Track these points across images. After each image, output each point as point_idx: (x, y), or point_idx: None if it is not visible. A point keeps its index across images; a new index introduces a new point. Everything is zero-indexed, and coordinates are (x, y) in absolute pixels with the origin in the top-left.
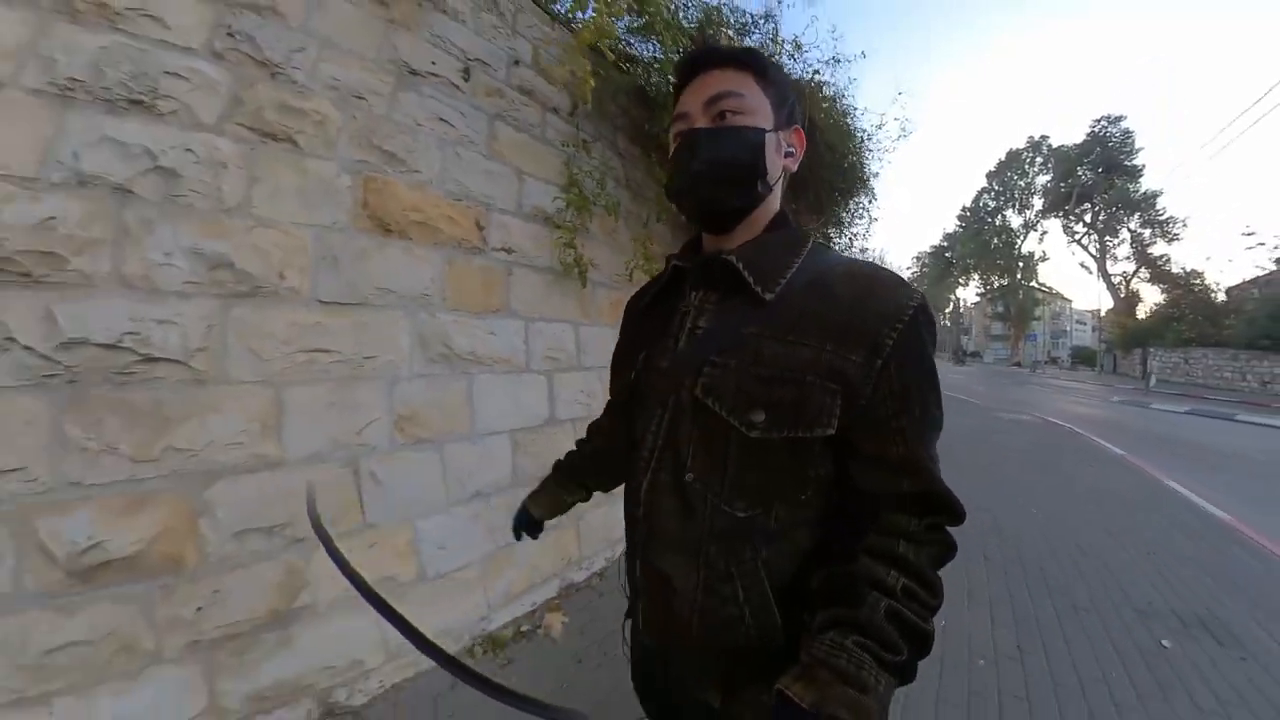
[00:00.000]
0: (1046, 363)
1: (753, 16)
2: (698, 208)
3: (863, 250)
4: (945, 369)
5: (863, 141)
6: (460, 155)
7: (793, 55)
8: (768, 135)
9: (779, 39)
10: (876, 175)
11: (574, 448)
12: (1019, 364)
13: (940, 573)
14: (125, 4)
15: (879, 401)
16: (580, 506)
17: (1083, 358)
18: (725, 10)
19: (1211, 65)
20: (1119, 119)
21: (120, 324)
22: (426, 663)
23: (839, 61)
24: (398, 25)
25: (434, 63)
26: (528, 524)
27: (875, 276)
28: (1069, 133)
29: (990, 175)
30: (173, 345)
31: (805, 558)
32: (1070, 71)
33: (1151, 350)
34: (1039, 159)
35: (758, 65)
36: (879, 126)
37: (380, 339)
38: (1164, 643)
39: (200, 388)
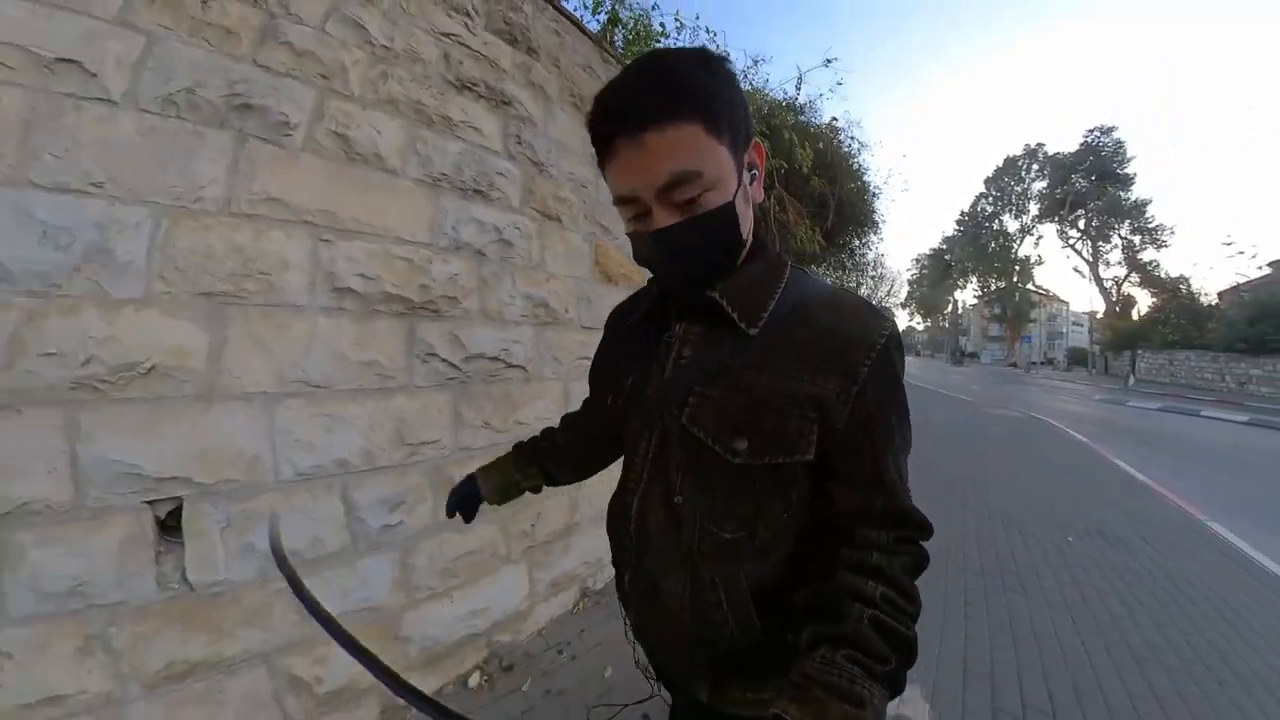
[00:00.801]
0: (1043, 363)
1: (799, 104)
2: (690, 291)
3: (862, 256)
4: (943, 369)
5: (874, 197)
6: None
7: (830, 132)
8: (737, 195)
9: (811, 119)
10: (885, 222)
11: (540, 434)
12: (1014, 365)
13: (932, 515)
14: (459, 117)
15: (854, 426)
16: None
17: (1078, 359)
18: (781, 100)
19: (1210, 66)
20: (1111, 129)
21: (498, 343)
22: None
23: (865, 145)
24: None
25: None
26: (466, 502)
27: (850, 305)
28: (1065, 137)
29: (988, 181)
30: (519, 356)
31: (783, 566)
32: (1068, 73)
33: (1139, 352)
34: (1035, 166)
35: (705, 109)
36: (885, 181)
37: None
38: (1070, 538)
39: (528, 383)
